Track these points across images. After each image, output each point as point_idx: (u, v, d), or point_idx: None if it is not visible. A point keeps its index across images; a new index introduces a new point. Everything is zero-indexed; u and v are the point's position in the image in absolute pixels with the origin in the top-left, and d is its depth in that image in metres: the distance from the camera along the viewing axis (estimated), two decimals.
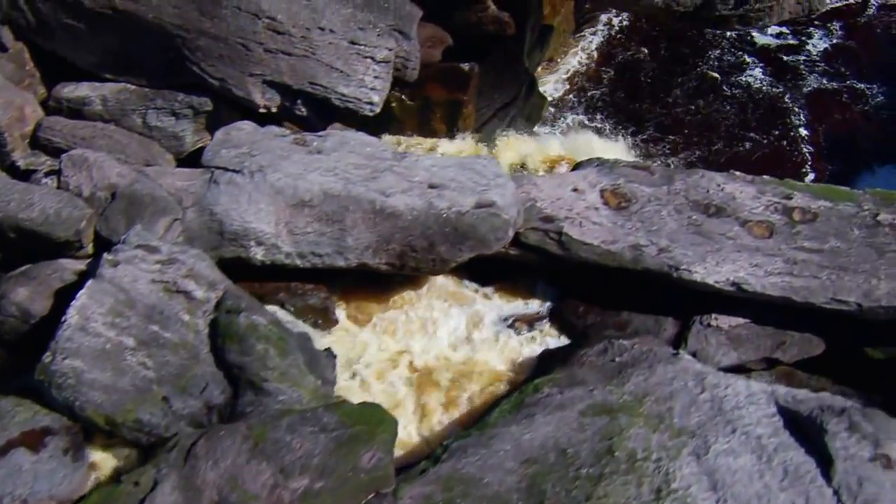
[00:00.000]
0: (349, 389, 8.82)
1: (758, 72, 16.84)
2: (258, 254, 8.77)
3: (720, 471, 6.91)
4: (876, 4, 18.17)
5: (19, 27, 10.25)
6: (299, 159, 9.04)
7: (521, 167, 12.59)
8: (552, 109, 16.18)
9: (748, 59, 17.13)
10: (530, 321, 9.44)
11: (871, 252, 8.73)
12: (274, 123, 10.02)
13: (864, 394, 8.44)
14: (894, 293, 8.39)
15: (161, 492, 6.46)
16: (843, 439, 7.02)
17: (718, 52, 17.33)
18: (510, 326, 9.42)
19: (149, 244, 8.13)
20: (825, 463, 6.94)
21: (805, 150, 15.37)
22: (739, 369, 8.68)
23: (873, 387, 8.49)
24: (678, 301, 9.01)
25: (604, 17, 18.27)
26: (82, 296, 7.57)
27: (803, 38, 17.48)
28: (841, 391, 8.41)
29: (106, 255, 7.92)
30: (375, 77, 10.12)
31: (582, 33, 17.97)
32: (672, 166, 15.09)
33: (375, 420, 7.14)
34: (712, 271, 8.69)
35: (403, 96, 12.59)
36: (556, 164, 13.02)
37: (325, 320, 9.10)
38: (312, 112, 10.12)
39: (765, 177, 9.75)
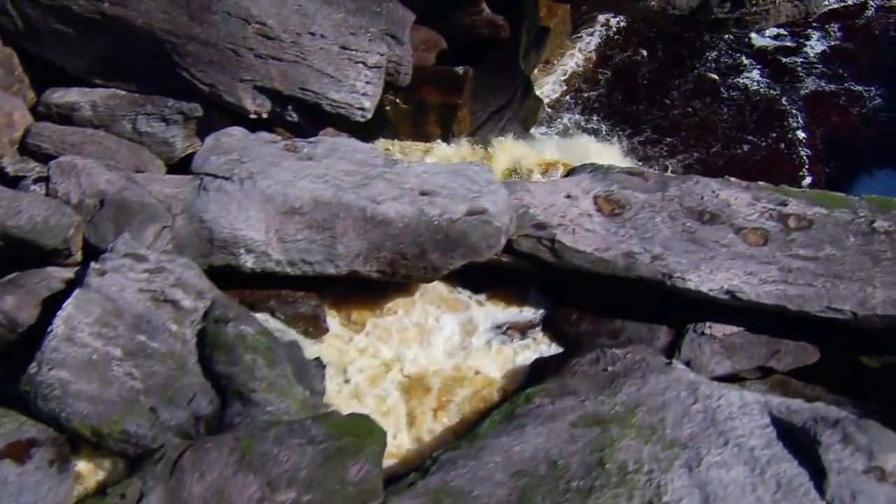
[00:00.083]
0: (340, 398, 8.76)
1: (755, 74, 16.77)
2: (248, 261, 8.69)
3: (712, 483, 6.84)
4: (875, 6, 18.08)
5: (8, 32, 10.18)
6: (289, 166, 8.96)
7: (516, 171, 12.50)
8: (549, 110, 16.11)
9: (746, 61, 17.05)
10: (523, 329, 9.37)
11: (867, 260, 8.65)
12: (265, 129, 9.95)
13: (859, 403, 8.37)
14: (890, 301, 8.32)
15: None
16: (837, 451, 6.95)
17: (716, 53, 17.26)
18: (503, 334, 9.36)
19: (136, 253, 8.05)
20: (819, 475, 6.86)
21: (803, 152, 15.31)
22: (733, 378, 8.61)
23: (869, 395, 8.42)
24: (672, 309, 8.93)
25: (601, 18, 18.19)
26: (69, 305, 7.50)
27: (801, 40, 17.40)
28: (836, 400, 8.35)
29: (93, 264, 7.85)
30: (367, 82, 10.03)
31: (579, 34, 17.90)
32: (669, 169, 15.04)
33: (364, 432, 7.07)
34: (706, 279, 8.61)
35: (397, 100, 12.51)
36: (552, 167, 12.92)
37: (316, 328, 9.02)
38: (303, 118, 10.05)
39: (760, 183, 9.66)
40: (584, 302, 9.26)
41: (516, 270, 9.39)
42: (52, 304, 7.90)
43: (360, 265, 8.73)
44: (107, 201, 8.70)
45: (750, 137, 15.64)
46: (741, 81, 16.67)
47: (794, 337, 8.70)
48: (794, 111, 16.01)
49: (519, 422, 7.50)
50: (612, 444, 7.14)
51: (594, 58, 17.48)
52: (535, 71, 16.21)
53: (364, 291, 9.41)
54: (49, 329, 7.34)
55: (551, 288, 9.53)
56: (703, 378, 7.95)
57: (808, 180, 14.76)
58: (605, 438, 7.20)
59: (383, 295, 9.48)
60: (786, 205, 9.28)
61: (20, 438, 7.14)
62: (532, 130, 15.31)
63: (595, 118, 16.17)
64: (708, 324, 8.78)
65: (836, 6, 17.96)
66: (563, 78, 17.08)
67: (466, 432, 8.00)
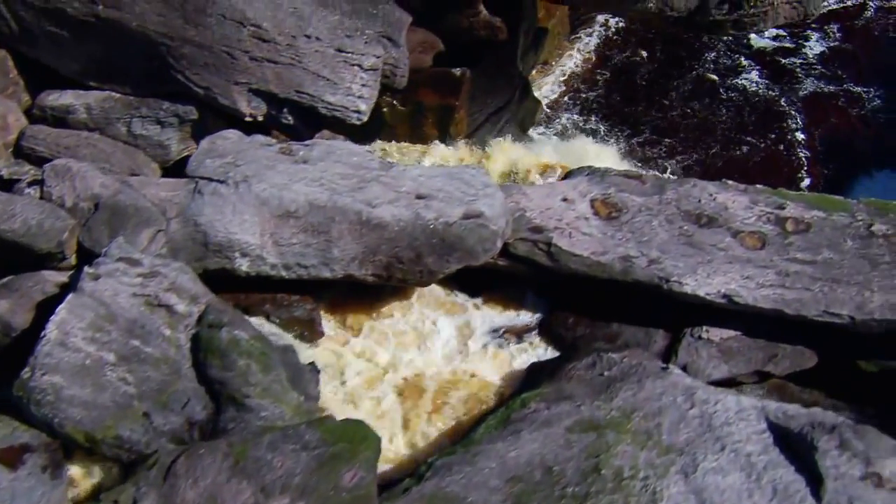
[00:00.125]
0: (336, 402, 8.72)
1: (754, 75, 16.73)
2: (243, 265, 8.65)
3: (708, 490, 6.80)
4: (874, 6, 18.02)
5: (2, 35, 10.16)
6: (285, 169, 8.92)
7: (514, 173, 12.47)
8: (548, 110, 16.08)
9: (744, 62, 17.01)
10: (520, 333, 9.33)
11: (865, 264, 8.61)
12: (261, 132, 9.91)
13: (857, 407, 8.33)
14: (888, 306, 8.27)
15: None
16: (834, 457, 6.90)
17: (714, 54, 17.23)
18: (499, 338, 9.32)
19: (130, 257, 8.02)
20: (815, 482, 6.81)
21: (801, 154, 15.27)
22: (731, 382, 8.57)
23: (866, 400, 8.37)
24: (669, 313, 8.89)
25: (600, 19, 18.17)
26: (62, 310, 7.46)
27: (800, 41, 17.36)
28: (834, 405, 8.31)
29: (87, 269, 7.81)
30: (363, 85, 9.99)
31: (577, 35, 17.87)
32: (669, 170, 15.01)
33: (358, 437, 7.03)
34: (703, 283, 8.57)
35: (394, 102, 12.49)
36: (549, 169, 12.90)
37: (312, 332, 8.99)
38: (299, 120, 10.01)
39: (758, 186, 9.63)
40: (581, 306, 9.21)
41: (513, 274, 9.35)
42: (46, 308, 7.86)
43: (356, 269, 8.70)
44: (101, 205, 8.67)
45: (749, 139, 15.60)
46: (740, 82, 16.64)
47: (792, 341, 8.66)
48: (793, 112, 15.97)
49: (514, 427, 7.46)
50: (608, 449, 7.10)
51: (593, 58, 17.45)
52: (534, 72, 16.18)
53: (360, 295, 9.37)
54: (42, 334, 7.30)
55: (548, 291, 9.49)
56: (700, 383, 7.91)
57: (806, 182, 14.73)
58: (601, 444, 7.16)
59: (379, 298, 9.44)
60: (783, 208, 9.24)
61: (13, 444, 7.08)
62: (530, 132, 15.29)
63: (593, 119, 16.14)
64: (705, 328, 8.73)
65: (835, 7, 17.91)
66: (561, 79, 17.06)
67: (462, 437, 7.97)
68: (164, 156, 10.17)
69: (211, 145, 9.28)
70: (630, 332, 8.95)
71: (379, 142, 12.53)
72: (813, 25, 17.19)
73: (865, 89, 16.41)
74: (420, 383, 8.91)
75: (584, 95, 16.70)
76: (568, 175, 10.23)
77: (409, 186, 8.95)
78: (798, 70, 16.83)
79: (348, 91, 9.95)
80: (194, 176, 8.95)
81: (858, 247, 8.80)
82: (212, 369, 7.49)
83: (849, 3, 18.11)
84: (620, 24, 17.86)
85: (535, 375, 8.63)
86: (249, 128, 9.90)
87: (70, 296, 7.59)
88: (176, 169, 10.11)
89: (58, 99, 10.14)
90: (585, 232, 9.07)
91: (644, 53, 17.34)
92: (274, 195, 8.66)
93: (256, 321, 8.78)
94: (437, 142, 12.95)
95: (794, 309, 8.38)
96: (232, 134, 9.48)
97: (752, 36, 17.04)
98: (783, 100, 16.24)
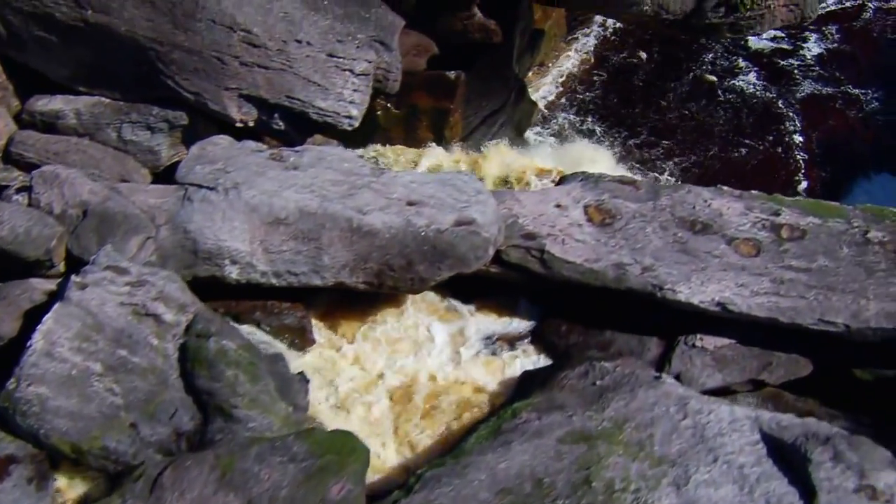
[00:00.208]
0: (326, 410, 8.65)
1: (752, 76, 16.63)
2: (233, 273, 8.58)
3: (700, 502, 6.71)
4: (873, 7, 17.90)
5: None
6: (275, 176, 8.84)
7: (508, 177, 12.38)
8: (545, 111, 15.98)
9: (742, 64, 16.91)
10: (512, 340, 9.26)
11: (860, 271, 8.53)
12: (252, 137, 9.84)
13: (852, 416, 8.25)
14: (883, 314, 8.19)
15: None
16: (828, 469, 6.82)
17: (712, 55, 17.12)
18: (492, 345, 9.24)
19: (118, 265, 7.94)
20: (809, 494, 6.73)
21: (799, 156, 15.17)
22: (725, 391, 8.49)
23: (862, 409, 8.29)
24: (663, 321, 8.81)
25: (598, 19, 18.05)
26: (48, 320, 7.39)
27: (798, 42, 17.25)
28: (829, 413, 8.23)
29: (74, 278, 7.74)
30: (354, 90, 9.90)
31: (575, 36, 17.76)
32: (666, 172, 14.92)
33: (347, 449, 6.96)
34: (697, 291, 8.49)
35: (389, 105, 12.41)
36: (545, 173, 12.80)
37: (302, 340, 8.91)
38: (290, 126, 9.92)
39: (753, 192, 9.54)
40: (574, 313, 9.13)
41: (506, 281, 9.27)
42: (34, 317, 7.79)
43: (347, 276, 8.62)
44: (90, 212, 8.59)
45: (746, 141, 15.50)
46: (738, 84, 16.53)
47: (787, 349, 8.57)
48: (791, 114, 15.87)
49: (505, 438, 7.38)
50: (599, 461, 7.02)
51: (590, 59, 17.35)
52: (530, 74, 16.08)
53: (352, 302, 9.29)
54: (28, 344, 7.24)
55: (541, 299, 9.41)
56: (693, 392, 7.83)
57: (804, 185, 14.63)
58: (592, 455, 7.08)
59: (372, 305, 9.36)
60: (779, 214, 9.15)
61: None
62: (527, 134, 15.19)
63: (590, 120, 16.03)
64: (699, 336, 8.65)
65: (833, 8, 17.80)
66: (558, 80, 16.95)
67: (453, 446, 7.89)
68: (154, 161, 10.08)
69: (201, 151, 9.20)
70: (623, 340, 8.87)
71: (373, 146, 12.42)
72: (811, 27, 17.08)
73: (864, 91, 16.29)
74: (411, 391, 8.84)
75: (581, 97, 16.59)
76: (562, 180, 10.15)
77: (401, 193, 8.87)
78: (796, 72, 16.72)
79: (339, 96, 9.86)
80: (184, 182, 8.87)
81: (854, 254, 8.71)
82: (199, 379, 7.42)
83: (847, 4, 18.00)
84: (618, 25, 17.74)
85: (527, 383, 8.55)
86: (240, 133, 9.82)
87: (57, 305, 7.52)
88: (166, 174, 10.03)
89: (47, 104, 10.05)
90: (579, 239, 8.99)
91: (642, 54, 17.25)
92: (264, 202, 8.58)
93: (247, 329, 8.71)
94: (432, 144, 12.86)
95: (788, 317, 8.30)
96: (222, 140, 9.41)
97: (750, 37, 16.93)
98: (781, 101, 16.13)
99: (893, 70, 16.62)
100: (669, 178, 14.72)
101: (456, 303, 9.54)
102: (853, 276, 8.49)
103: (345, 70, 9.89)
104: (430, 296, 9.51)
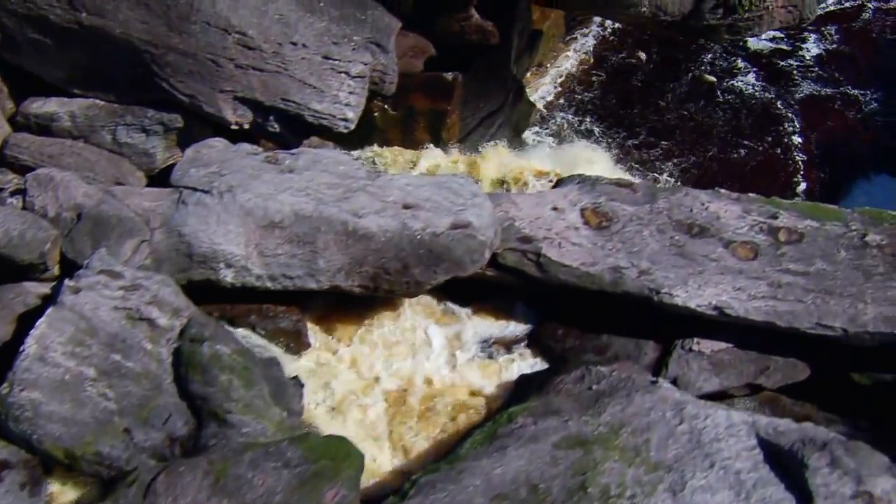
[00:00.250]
0: (321, 414, 8.62)
1: (751, 77, 16.57)
2: (228, 276, 8.54)
3: None
4: (872, 8, 17.85)
5: None
6: (270, 179, 8.80)
7: (506, 179, 12.33)
8: (543, 111, 15.94)
9: (741, 64, 16.85)
10: (509, 344, 9.23)
11: (858, 275, 8.49)
12: (248, 140, 9.79)
13: (850, 420, 8.22)
14: (881, 318, 8.16)
15: None
16: (825, 475, 6.77)
17: (711, 56, 17.07)
18: (489, 348, 9.21)
19: (112, 269, 7.91)
20: (805, 500, 6.69)
21: (798, 157, 15.12)
22: (722, 395, 8.46)
23: (860, 413, 8.26)
24: (659, 324, 8.77)
25: (597, 19, 17.98)
26: (41, 324, 7.37)
27: (797, 43, 17.19)
28: (827, 418, 8.20)
29: (67, 282, 7.71)
30: (350, 93, 9.86)
31: (573, 36, 17.70)
32: (665, 173, 14.87)
33: (341, 454, 6.93)
34: (694, 295, 8.45)
35: (386, 107, 12.36)
36: (543, 175, 12.76)
37: (298, 343, 8.87)
38: (286, 128, 9.88)
39: (751, 195, 9.50)
40: (571, 317, 9.10)
41: (502, 284, 9.23)
42: (27, 321, 7.75)
43: (342, 280, 8.58)
44: (84, 215, 8.55)
45: (745, 142, 15.45)
46: (737, 85, 16.48)
47: (784, 353, 8.54)
48: (790, 115, 15.81)
49: (500, 443, 7.34)
50: (595, 466, 6.98)
51: (589, 60, 17.30)
52: (529, 74, 16.03)
53: (348, 305, 9.25)
54: (21, 349, 7.21)
55: (538, 302, 9.37)
56: (690, 397, 7.78)
57: (803, 186, 14.58)
58: (588, 461, 7.04)
59: (368, 309, 9.32)
60: (776, 217, 9.11)
61: None
62: (525, 134, 15.15)
63: (589, 121, 15.98)
64: (696, 340, 8.62)
65: (832, 8, 17.75)
66: (557, 81, 16.89)
67: (449, 450, 7.86)
68: (149, 164, 10.04)
69: (196, 154, 9.16)
70: (620, 344, 8.84)
71: (370, 147, 12.37)
72: (810, 27, 17.02)
73: (863, 92, 16.24)
74: (406, 395, 8.81)
75: (579, 97, 16.54)
76: (558, 183, 10.11)
77: (397, 196, 8.83)
78: (795, 72, 16.67)
79: (335, 99, 9.81)
80: (179, 185, 8.83)
81: (852, 257, 8.67)
82: (193, 384, 7.39)
83: (847, 5, 17.94)
84: (617, 25, 17.69)
85: (523, 388, 8.51)
86: (236, 136, 9.77)
87: (50, 309, 7.49)
88: (161, 177, 9.98)
89: (42, 107, 10.01)
90: (575, 242, 8.95)
91: (641, 55, 17.19)
92: (259, 205, 8.54)
93: (242, 333, 8.68)
94: (430, 146, 12.82)
95: (786, 321, 8.27)
96: (217, 142, 9.37)
97: (749, 38, 16.87)
98: (780, 102, 16.08)
99: (893, 71, 16.56)
100: (668, 178, 14.68)
101: (452, 306, 9.50)
102: (851, 280, 8.45)
103: (340, 72, 9.84)
104: (427, 299, 9.47)
